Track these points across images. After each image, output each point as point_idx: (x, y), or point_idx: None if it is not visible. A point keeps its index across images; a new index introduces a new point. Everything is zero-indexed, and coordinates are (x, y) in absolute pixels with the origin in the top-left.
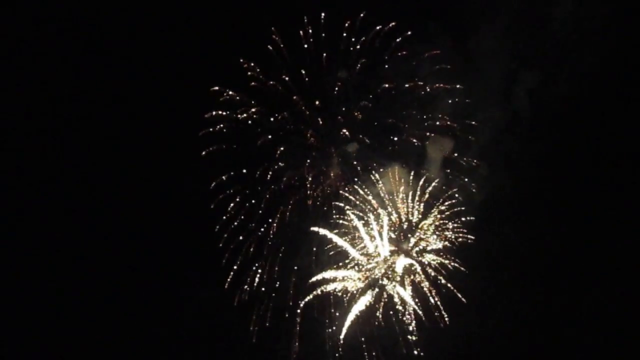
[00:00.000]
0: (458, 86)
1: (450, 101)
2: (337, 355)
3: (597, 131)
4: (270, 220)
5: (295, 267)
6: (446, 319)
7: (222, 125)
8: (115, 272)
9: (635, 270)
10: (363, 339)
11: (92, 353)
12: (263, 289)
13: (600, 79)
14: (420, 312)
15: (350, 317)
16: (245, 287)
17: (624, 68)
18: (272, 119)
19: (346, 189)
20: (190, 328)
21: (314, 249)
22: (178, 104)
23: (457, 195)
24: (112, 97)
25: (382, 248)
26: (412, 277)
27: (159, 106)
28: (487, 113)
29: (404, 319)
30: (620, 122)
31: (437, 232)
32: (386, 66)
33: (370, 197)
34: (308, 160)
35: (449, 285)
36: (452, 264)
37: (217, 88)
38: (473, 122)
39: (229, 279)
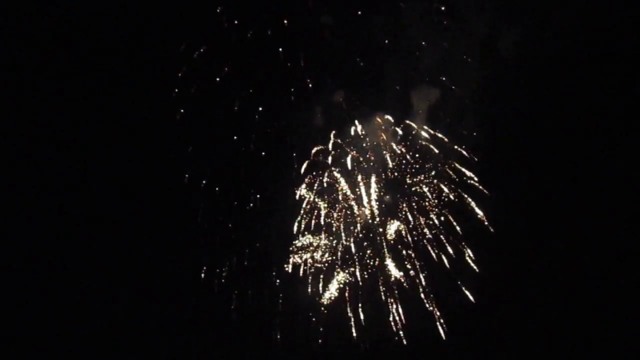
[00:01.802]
0: (443, 43)
1: (435, 55)
2: (319, 339)
3: (583, 87)
4: (251, 188)
5: (277, 238)
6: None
7: (195, 87)
8: (85, 259)
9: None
10: (352, 323)
11: (62, 339)
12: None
13: (585, 34)
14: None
15: (333, 291)
16: (224, 271)
17: (610, 23)
18: (251, 75)
19: (330, 143)
20: (168, 319)
21: (298, 215)
22: (146, 62)
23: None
24: (74, 56)
25: (370, 211)
26: (403, 246)
27: (125, 65)
28: (470, 68)
29: (390, 297)
30: (605, 77)
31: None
32: (373, 16)
33: (355, 152)
34: (291, 115)
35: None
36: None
37: (189, 43)
38: (456, 77)
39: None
